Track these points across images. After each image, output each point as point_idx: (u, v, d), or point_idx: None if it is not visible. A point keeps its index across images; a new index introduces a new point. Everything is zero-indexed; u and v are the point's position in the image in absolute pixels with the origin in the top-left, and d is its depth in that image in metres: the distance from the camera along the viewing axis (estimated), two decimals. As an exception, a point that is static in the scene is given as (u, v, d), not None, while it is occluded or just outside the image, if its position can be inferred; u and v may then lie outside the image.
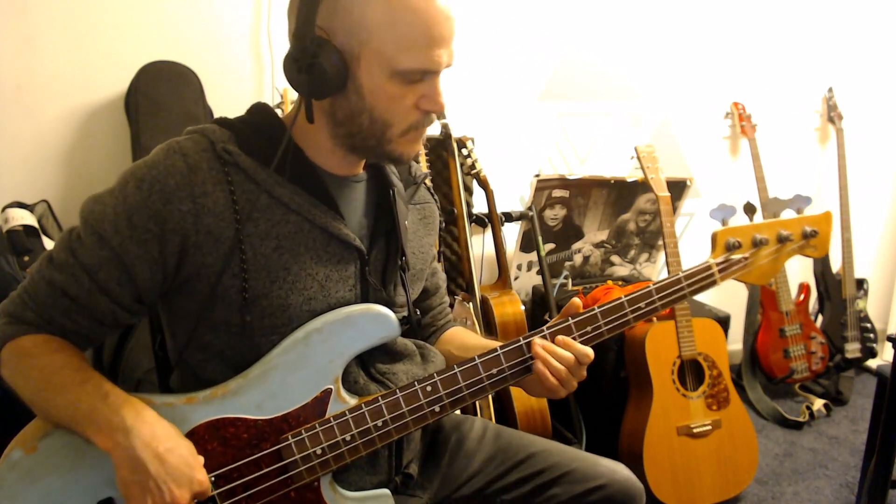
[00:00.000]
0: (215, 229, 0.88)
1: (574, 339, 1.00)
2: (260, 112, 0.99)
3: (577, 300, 1.02)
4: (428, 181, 1.16)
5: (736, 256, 1.09)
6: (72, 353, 0.90)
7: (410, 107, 0.91)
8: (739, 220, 1.11)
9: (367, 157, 0.99)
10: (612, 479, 1.11)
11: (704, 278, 1.08)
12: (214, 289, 0.90)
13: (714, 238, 1.10)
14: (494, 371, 0.99)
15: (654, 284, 1.07)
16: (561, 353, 0.97)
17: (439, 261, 1.24)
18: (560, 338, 0.99)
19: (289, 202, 0.91)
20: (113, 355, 1.66)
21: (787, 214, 1.13)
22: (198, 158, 0.88)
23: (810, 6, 2.68)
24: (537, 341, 0.99)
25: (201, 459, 0.87)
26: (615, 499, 1.10)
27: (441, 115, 2.09)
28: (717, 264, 1.09)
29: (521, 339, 1.00)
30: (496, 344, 1.02)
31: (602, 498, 1.10)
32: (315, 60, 0.86)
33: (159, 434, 0.84)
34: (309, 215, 0.92)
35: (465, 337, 1.21)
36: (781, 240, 1.10)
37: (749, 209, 1.16)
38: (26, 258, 1.62)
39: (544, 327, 1.01)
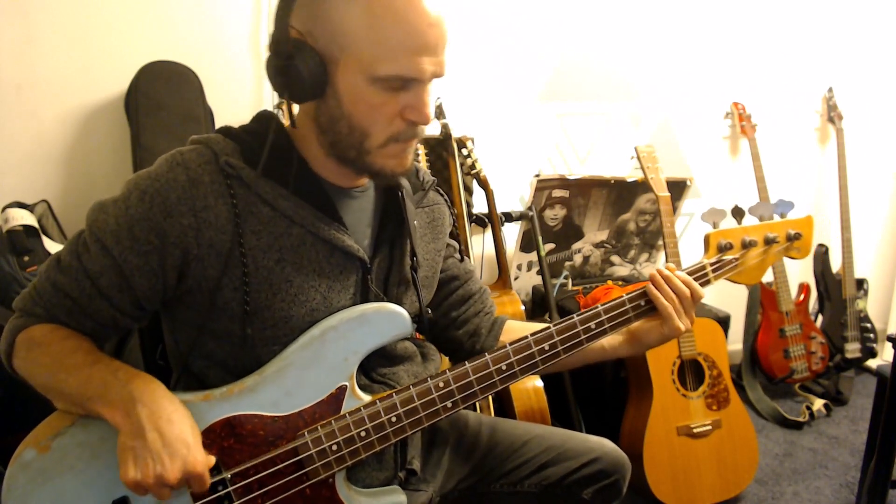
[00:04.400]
0: (217, 243, 0.88)
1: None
2: (265, 121, 0.96)
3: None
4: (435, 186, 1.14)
5: (728, 257, 1.14)
6: (82, 338, 0.92)
7: (391, 116, 0.88)
8: (729, 222, 1.16)
9: (353, 170, 0.94)
10: (602, 453, 1.17)
11: (700, 277, 1.12)
12: (216, 301, 0.90)
13: (707, 239, 1.15)
14: (504, 366, 1.00)
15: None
16: (676, 283, 1.06)
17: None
18: (680, 274, 1.08)
19: (292, 215, 0.91)
20: (112, 356, 1.65)
21: (773, 219, 1.19)
22: (200, 171, 0.88)
23: (810, 6, 2.69)
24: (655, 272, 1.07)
25: (202, 448, 0.86)
26: (606, 470, 1.17)
27: (444, 121, 2.09)
28: (711, 264, 1.13)
29: (529, 336, 1.02)
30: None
31: (595, 471, 1.16)
32: (290, 62, 0.84)
33: (166, 408, 0.84)
34: (312, 228, 0.92)
35: (526, 328, 1.19)
36: (768, 241, 1.16)
37: (737, 213, 1.20)
38: (26, 258, 1.63)
39: (550, 324, 1.03)
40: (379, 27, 0.82)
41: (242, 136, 0.94)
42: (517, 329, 1.21)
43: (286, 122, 0.96)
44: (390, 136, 0.89)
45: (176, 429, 0.83)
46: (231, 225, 0.88)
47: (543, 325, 1.05)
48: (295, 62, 0.84)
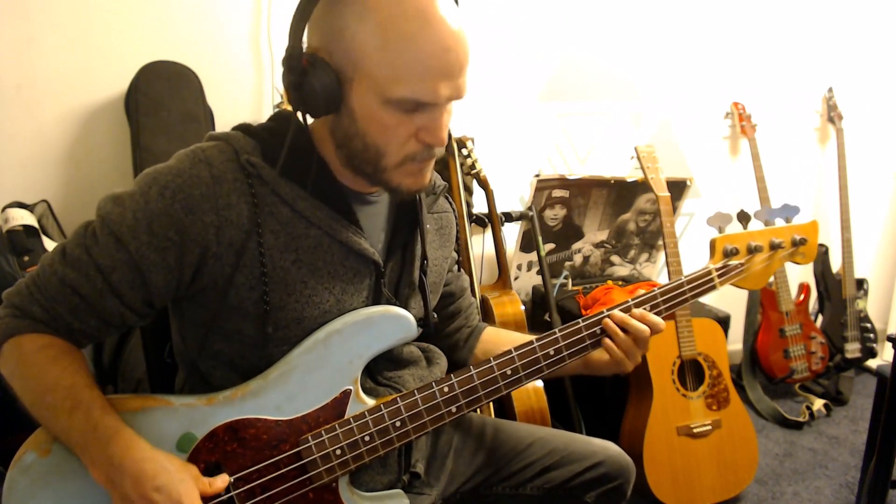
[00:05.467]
0: (237, 241, 0.87)
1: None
2: (285, 121, 0.95)
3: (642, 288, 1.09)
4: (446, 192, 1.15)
5: (734, 262, 1.14)
6: (67, 364, 0.87)
7: (407, 137, 0.86)
8: (735, 227, 1.16)
9: (369, 183, 0.94)
10: (606, 456, 1.17)
11: (705, 283, 1.12)
12: (229, 299, 0.89)
13: (713, 244, 1.14)
14: (508, 371, 1.00)
15: (658, 288, 1.09)
16: (634, 325, 1.02)
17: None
18: (636, 311, 1.04)
19: (310, 216, 0.90)
20: (113, 355, 1.66)
21: (778, 223, 1.19)
22: (223, 169, 0.87)
23: (810, 6, 2.69)
24: (611, 316, 1.03)
25: (202, 483, 0.85)
26: (610, 474, 1.16)
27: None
28: (717, 270, 1.13)
29: (534, 340, 1.02)
30: (531, 337, 1.04)
31: (599, 475, 1.16)
32: (304, 78, 0.84)
33: (148, 472, 0.81)
34: (330, 230, 0.91)
35: (501, 336, 1.23)
36: (774, 247, 1.15)
37: (743, 217, 1.20)
38: (26, 258, 1.62)
39: (556, 330, 1.03)
40: (391, 49, 0.81)
41: (262, 134, 0.93)
42: (493, 338, 1.22)
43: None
44: (406, 157, 0.88)
45: (164, 493, 0.80)
46: (252, 224, 0.87)
47: (529, 339, 1.04)
48: (309, 77, 0.83)
